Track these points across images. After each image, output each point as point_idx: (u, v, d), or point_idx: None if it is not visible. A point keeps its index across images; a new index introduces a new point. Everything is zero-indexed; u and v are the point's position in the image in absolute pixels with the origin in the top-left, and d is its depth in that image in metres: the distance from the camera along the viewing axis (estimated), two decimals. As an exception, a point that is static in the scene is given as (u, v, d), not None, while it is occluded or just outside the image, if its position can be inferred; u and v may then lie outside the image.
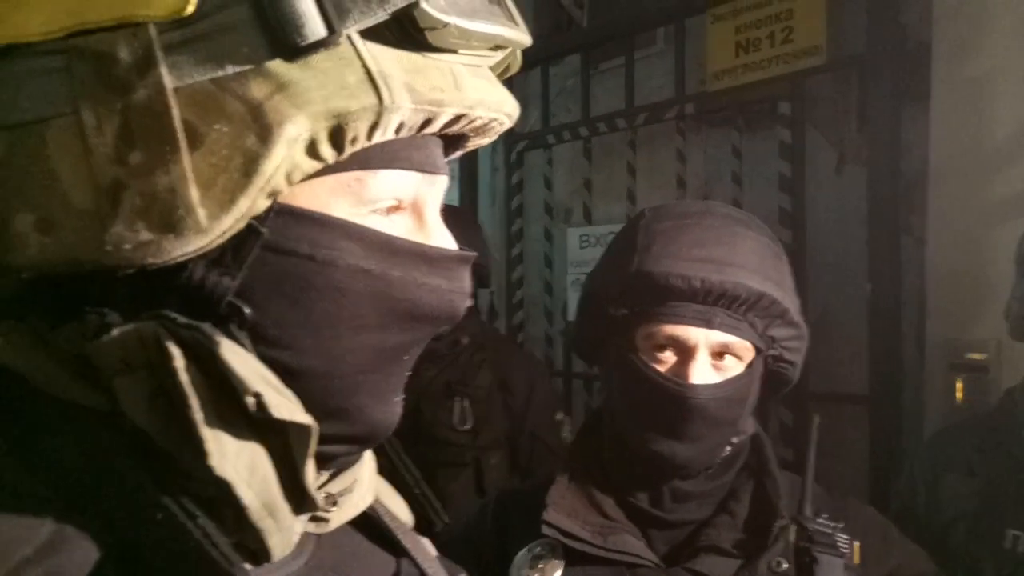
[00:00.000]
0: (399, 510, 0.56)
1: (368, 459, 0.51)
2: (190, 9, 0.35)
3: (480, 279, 1.92)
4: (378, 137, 0.39)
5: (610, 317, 0.91)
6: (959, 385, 1.76)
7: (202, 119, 0.35)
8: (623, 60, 2.53)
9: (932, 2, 1.83)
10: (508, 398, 1.82)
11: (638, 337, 0.90)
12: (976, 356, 1.72)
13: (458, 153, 0.50)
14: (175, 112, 0.35)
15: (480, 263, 1.85)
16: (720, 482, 0.93)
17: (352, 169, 0.41)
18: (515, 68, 0.48)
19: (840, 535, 0.88)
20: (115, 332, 0.37)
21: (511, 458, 1.80)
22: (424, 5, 0.38)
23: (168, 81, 0.35)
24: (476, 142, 0.49)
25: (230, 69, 0.36)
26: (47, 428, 0.38)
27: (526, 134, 2.89)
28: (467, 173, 3.03)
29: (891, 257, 1.91)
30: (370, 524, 0.53)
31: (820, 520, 0.88)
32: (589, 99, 2.65)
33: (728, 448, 0.92)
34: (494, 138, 0.49)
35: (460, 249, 0.47)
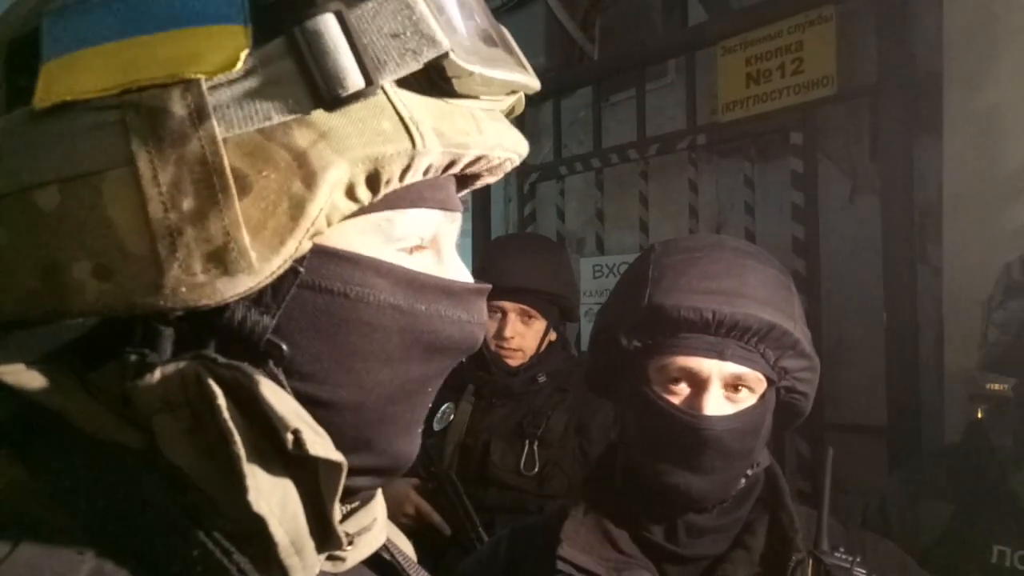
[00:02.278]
0: (407, 549, 0.56)
1: (380, 498, 0.52)
2: (239, 66, 0.38)
3: (564, 313, 1.83)
4: (409, 179, 0.41)
5: (623, 350, 0.91)
6: (979, 416, 1.74)
7: (251, 167, 0.37)
8: (634, 92, 2.55)
9: (942, 33, 1.84)
10: (585, 444, 1.65)
11: (651, 369, 0.90)
12: (996, 387, 1.69)
13: (467, 191, 0.53)
14: (226, 161, 0.37)
15: (566, 296, 1.80)
16: (735, 516, 0.92)
17: (381, 210, 0.43)
18: (519, 109, 0.51)
19: (858, 569, 0.86)
20: (157, 373, 0.38)
21: None
22: (453, 56, 0.40)
23: (219, 132, 0.37)
24: (485, 180, 0.51)
25: (276, 119, 0.38)
26: (84, 467, 0.39)
27: (539, 165, 2.91)
28: (480, 204, 3.06)
29: (907, 286, 1.90)
30: (383, 563, 0.53)
31: (837, 554, 0.87)
32: (601, 130, 2.67)
33: (743, 481, 0.91)
34: (501, 176, 0.50)
35: (476, 282, 0.49)
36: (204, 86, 0.37)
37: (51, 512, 0.38)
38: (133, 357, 0.39)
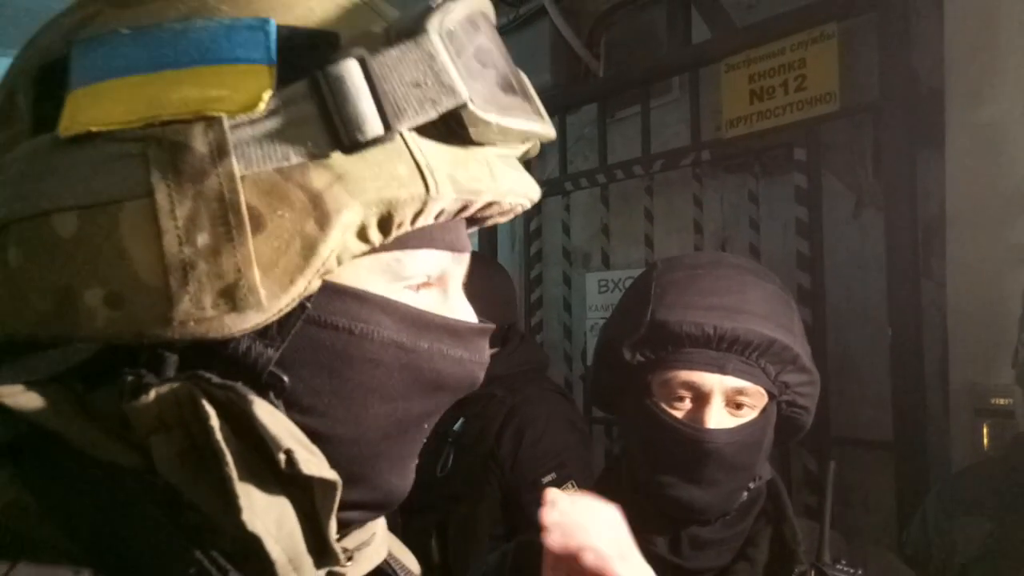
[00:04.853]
0: (409, 563, 0.57)
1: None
2: (261, 107, 0.38)
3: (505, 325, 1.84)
4: (420, 223, 0.42)
5: (626, 365, 0.93)
6: (986, 431, 1.74)
7: (266, 205, 0.38)
8: (639, 109, 2.57)
9: (944, 49, 1.85)
10: (496, 449, 1.66)
11: (654, 384, 0.91)
12: (1001, 401, 1.70)
13: (475, 228, 0.53)
14: (242, 198, 0.38)
15: (501, 323, 1.76)
16: (738, 529, 0.93)
17: (392, 250, 0.43)
18: (534, 153, 0.51)
19: (861, 583, 0.87)
20: (152, 393, 0.39)
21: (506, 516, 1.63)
22: (471, 106, 0.41)
23: (238, 170, 0.38)
24: (495, 220, 0.52)
25: (294, 160, 0.38)
26: (82, 487, 0.40)
27: (544, 181, 2.93)
28: (487, 220, 3.08)
29: (911, 301, 1.90)
30: None
31: (839, 566, 0.87)
32: (606, 146, 2.69)
33: (745, 494, 0.92)
34: (511, 217, 0.51)
35: (480, 322, 0.49)
36: (226, 124, 0.38)
37: (50, 532, 0.39)
38: (130, 378, 0.39)
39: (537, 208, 2.94)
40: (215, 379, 0.39)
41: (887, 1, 1.93)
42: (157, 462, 0.39)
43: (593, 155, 2.78)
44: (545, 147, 3.59)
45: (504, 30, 3.17)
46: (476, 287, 1.92)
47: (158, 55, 0.39)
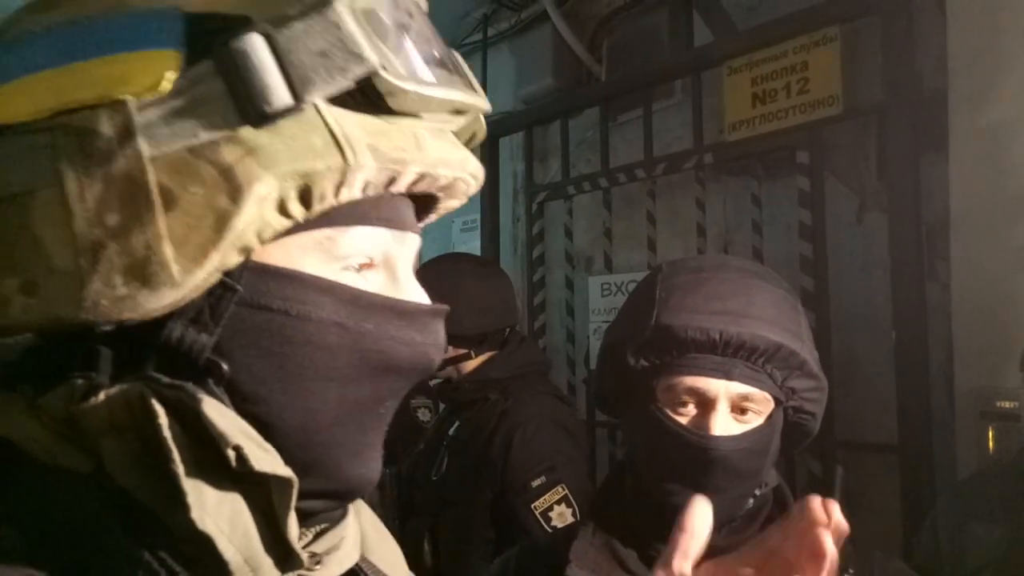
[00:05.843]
0: (394, 564, 0.55)
1: (353, 517, 0.52)
2: (165, 86, 0.39)
3: (501, 330, 1.85)
4: (345, 195, 0.41)
5: (630, 370, 0.92)
6: (991, 434, 1.73)
7: (177, 183, 0.38)
8: (641, 112, 2.57)
9: (947, 51, 1.85)
10: (490, 452, 1.64)
11: (659, 389, 0.90)
12: (1006, 404, 1.69)
13: (432, 217, 0.52)
14: (151, 178, 0.38)
15: (485, 329, 1.75)
16: (744, 536, 0.92)
17: (322, 227, 0.43)
18: (481, 136, 0.51)
19: (868, 590, 0.86)
20: (102, 395, 0.39)
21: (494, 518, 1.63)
22: (383, 73, 0.40)
23: (145, 150, 0.38)
24: (447, 204, 0.51)
25: (204, 137, 0.39)
26: (36, 493, 0.40)
27: (547, 185, 2.93)
28: (489, 223, 3.07)
29: (916, 304, 1.89)
30: None
31: (847, 575, 0.86)
32: (608, 150, 2.69)
33: (751, 500, 0.91)
34: (464, 200, 0.50)
35: (432, 304, 0.48)
36: (132, 107, 0.38)
37: (8, 535, 0.39)
38: (80, 381, 0.39)
39: (540, 212, 2.94)
40: (165, 379, 0.39)
41: (890, 3, 1.93)
42: (108, 465, 0.39)
43: (595, 158, 2.78)
44: (548, 151, 3.60)
45: (506, 34, 3.17)
46: (476, 291, 1.93)
47: (69, 48, 0.40)
